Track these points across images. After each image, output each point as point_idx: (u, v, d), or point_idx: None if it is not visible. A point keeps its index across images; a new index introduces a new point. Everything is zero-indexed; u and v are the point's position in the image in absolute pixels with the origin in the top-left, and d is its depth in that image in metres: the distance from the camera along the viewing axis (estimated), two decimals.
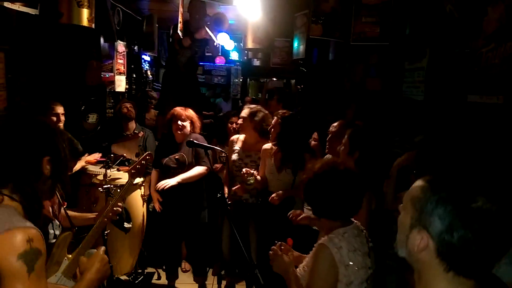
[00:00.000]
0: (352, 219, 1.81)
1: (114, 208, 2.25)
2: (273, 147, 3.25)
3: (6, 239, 1.16)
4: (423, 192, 0.96)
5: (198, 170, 3.39)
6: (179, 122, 3.44)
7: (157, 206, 3.52)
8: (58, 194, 2.19)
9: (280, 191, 3.10)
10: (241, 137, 3.54)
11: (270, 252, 1.86)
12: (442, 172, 0.99)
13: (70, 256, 2.03)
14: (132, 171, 2.48)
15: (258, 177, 3.19)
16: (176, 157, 3.45)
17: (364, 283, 1.70)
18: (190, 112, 3.55)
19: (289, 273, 1.77)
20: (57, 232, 2.10)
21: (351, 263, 1.63)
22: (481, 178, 0.95)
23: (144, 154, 2.59)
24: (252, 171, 3.13)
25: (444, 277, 0.93)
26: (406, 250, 1.00)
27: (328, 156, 3.04)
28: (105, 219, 2.21)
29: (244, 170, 3.15)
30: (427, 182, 0.97)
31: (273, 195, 3.10)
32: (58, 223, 2.15)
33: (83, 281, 1.46)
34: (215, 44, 5.15)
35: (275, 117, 3.27)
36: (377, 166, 2.41)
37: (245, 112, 3.43)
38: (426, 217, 0.93)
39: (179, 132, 3.45)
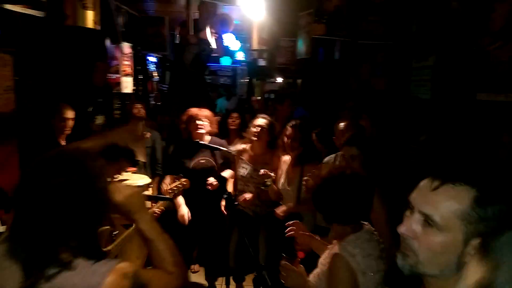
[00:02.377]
0: (365, 222, 1.79)
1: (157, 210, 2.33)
2: (287, 159, 3.16)
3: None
4: (474, 202, 0.91)
5: (229, 174, 3.40)
6: (197, 122, 3.33)
7: (186, 218, 3.25)
8: None
9: (285, 207, 3.03)
10: (247, 147, 3.39)
11: (280, 267, 1.82)
12: (484, 179, 0.94)
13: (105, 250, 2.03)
14: (169, 191, 2.50)
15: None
16: (202, 161, 3.34)
17: (378, 286, 1.68)
18: (206, 112, 3.46)
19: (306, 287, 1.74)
20: None
21: (367, 270, 1.60)
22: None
23: (182, 180, 2.56)
24: (269, 173, 3.01)
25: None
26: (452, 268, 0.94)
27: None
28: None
29: (262, 171, 3.01)
30: (476, 192, 0.92)
31: (277, 210, 3.02)
32: None
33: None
34: (211, 47, 5.09)
35: (289, 127, 3.11)
36: (383, 168, 2.36)
37: (265, 123, 3.28)
38: (483, 224, 0.90)
39: (198, 131, 3.33)
